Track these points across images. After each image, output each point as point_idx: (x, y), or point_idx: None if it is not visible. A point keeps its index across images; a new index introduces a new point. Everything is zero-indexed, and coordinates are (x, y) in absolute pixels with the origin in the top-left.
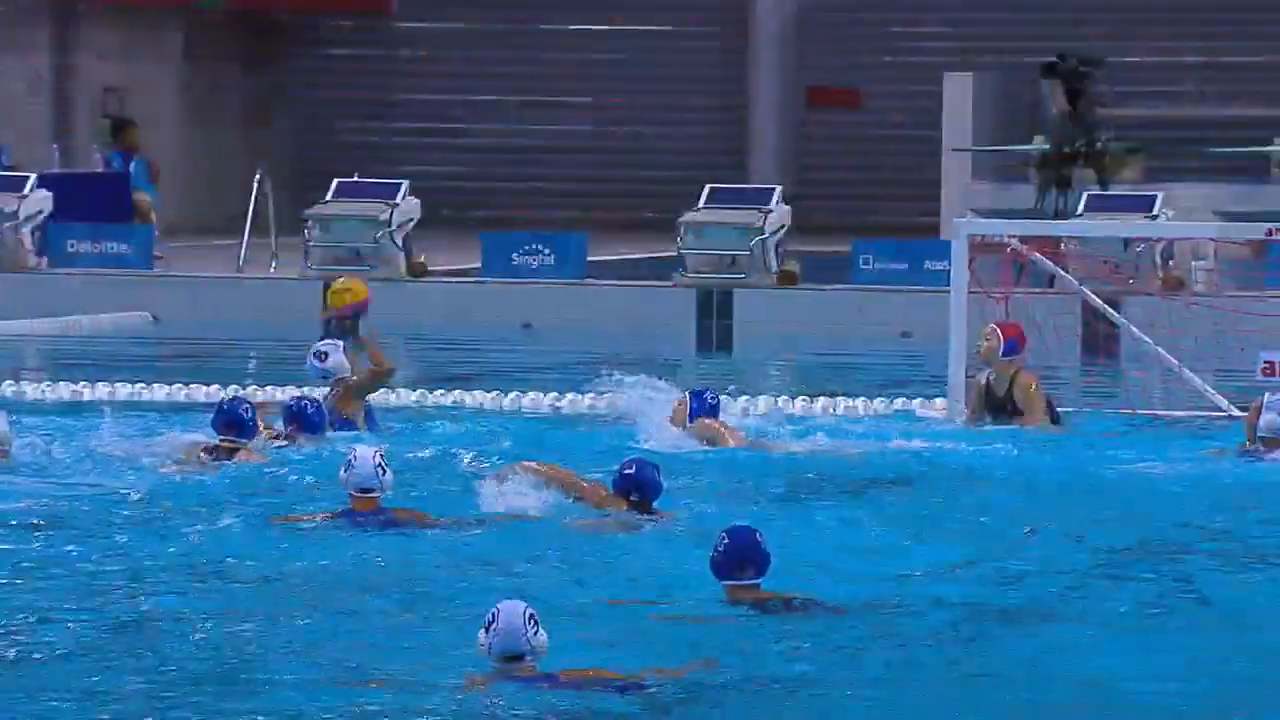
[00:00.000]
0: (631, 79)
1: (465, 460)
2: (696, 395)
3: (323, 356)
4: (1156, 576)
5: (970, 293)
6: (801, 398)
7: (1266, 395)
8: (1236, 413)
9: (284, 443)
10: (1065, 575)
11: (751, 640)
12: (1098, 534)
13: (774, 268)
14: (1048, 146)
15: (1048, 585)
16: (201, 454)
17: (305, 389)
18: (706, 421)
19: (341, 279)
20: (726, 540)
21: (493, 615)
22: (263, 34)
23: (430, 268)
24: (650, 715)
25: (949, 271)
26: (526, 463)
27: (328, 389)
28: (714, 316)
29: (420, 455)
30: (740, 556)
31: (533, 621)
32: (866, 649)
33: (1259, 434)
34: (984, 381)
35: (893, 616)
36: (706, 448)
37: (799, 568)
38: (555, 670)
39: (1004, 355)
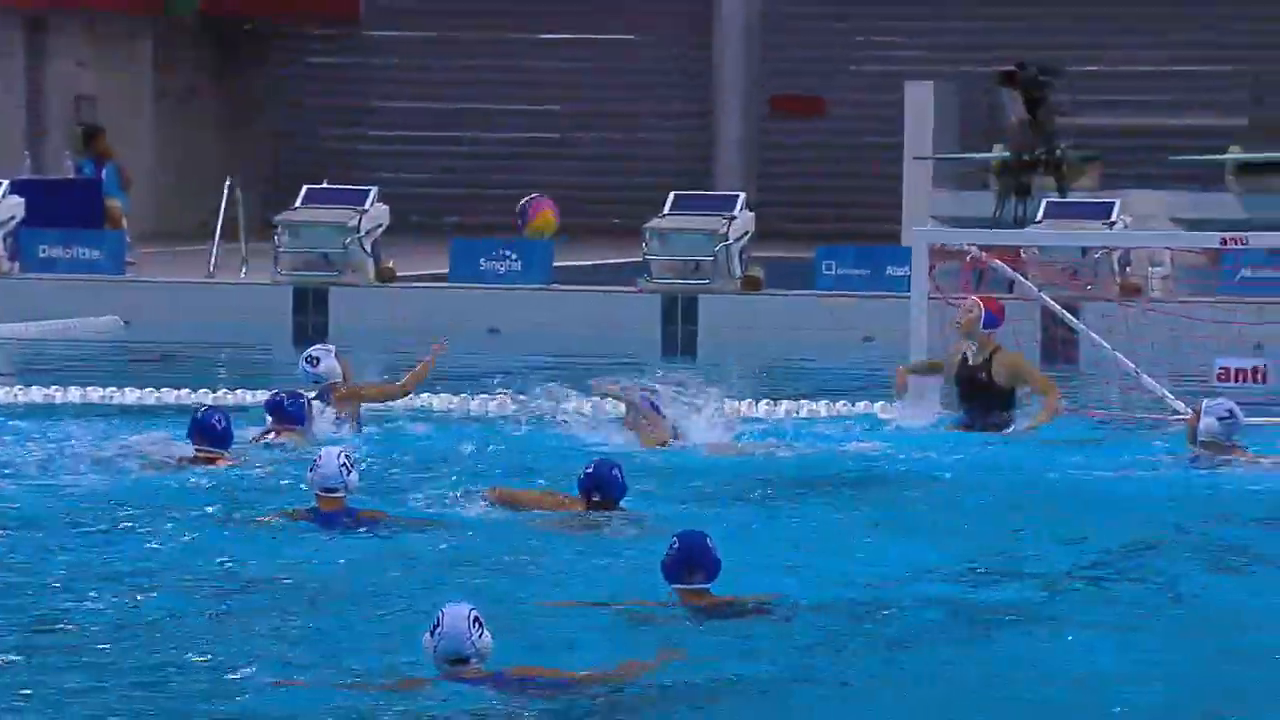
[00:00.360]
0: (598, 86)
1: (431, 464)
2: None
3: (314, 361)
4: (1125, 580)
5: (930, 299)
6: (765, 401)
7: (1205, 401)
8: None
9: (267, 439)
10: (1037, 577)
11: (703, 642)
12: (1058, 535)
13: (738, 273)
14: (1007, 154)
15: (1019, 586)
16: (180, 462)
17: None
18: (652, 417)
19: (536, 222)
20: (676, 544)
21: (437, 619)
22: (234, 42)
23: (398, 273)
24: (601, 714)
25: (910, 278)
26: (496, 489)
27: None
28: (679, 322)
29: (389, 458)
30: (689, 560)
31: (477, 624)
32: (824, 651)
33: (1199, 438)
34: (962, 353)
35: (855, 618)
36: (658, 448)
37: (761, 569)
38: (503, 668)
39: (985, 327)
